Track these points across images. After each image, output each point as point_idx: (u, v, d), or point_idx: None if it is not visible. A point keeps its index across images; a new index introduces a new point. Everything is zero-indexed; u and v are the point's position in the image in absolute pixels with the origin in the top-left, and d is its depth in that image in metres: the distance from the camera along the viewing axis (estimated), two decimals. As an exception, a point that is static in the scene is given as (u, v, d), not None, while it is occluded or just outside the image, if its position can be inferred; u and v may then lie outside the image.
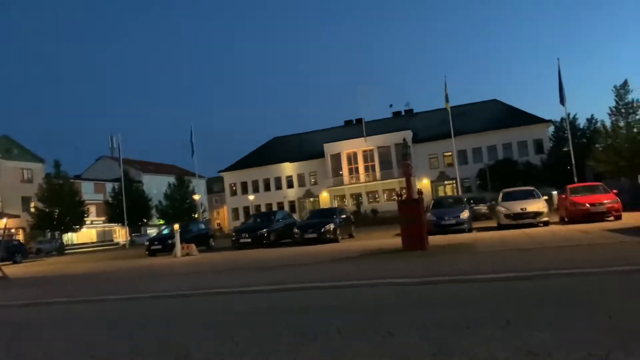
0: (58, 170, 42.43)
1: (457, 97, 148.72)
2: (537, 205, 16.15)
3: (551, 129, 50.38)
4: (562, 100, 31.37)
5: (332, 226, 17.42)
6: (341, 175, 57.13)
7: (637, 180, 25.04)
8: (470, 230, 16.67)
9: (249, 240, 18.51)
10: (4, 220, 21.33)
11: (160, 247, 20.10)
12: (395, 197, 11.54)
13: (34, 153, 57.35)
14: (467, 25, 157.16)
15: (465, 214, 16.70)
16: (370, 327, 4.14)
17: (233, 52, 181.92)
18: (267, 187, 61.29)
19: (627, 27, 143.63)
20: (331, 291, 6.65)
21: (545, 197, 17.66)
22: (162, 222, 63.19)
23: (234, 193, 63.26)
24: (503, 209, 16.47)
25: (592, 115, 48.92)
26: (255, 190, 61.31)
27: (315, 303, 5.90)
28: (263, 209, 60.71)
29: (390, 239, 17.82)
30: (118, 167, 74.21)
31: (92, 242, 58.54)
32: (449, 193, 55.53)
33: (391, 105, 65.00)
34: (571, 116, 45.28)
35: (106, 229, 64.81)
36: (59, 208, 39.53)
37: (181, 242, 18.16)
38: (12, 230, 48.54)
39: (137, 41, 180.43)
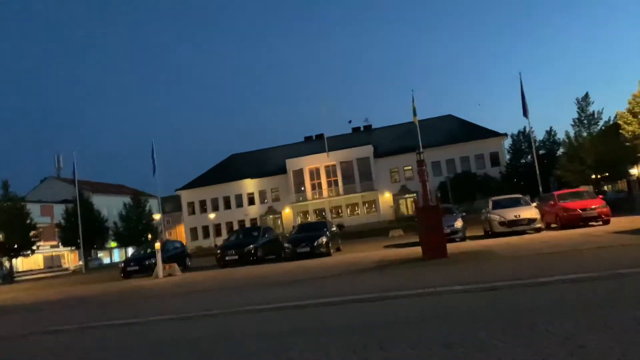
0: (6, 191, 39.35)
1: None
2: (530, 212, 16.30)
3: (508, 142, 52.20)
4: (525, 113, 32.41)
5: (324, 239, 16.83)
6: (303, 191, 56.58)
7: (604, 188, 26.10)
8: (463, 239, 16.58)
9: (236, 257, 17.57)
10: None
11: (137, 268, 18.73)
12: (413, 205, 11.11)
13: (-28, 174, 53.30)
14: (424, 41, 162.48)
15: (459, 223, 16.61)
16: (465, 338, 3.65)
17: (187, 66, 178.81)
18: (228, 205, 59.72)
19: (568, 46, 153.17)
20: (379, 303, 6.11)
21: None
22: (114, 244, 60.11)
23: (192, 212, 61.17)
24: (497, 216, 16.49)
25: (551, 127, 51.24)
26: (215, 208, 59.58)
27: (382, 317, 5.33)
28: (224, 228, 59.06)
29: (382, 250, 17.52)
30: (64, 188, 71.08)
31: (39, 269, 54.61)
32: (410, 207, 56.25)
33: (350, 121, 65.53)
34: (527, 129, 47.21)
35: (54, 254, 60.83)
36: (7, 232, 36.54)
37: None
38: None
39: (84, 51, 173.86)
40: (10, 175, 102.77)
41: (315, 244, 16.54)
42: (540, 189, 31.05)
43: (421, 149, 37.52)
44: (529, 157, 46.75)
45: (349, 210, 55.29)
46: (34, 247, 40.31)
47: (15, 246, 37.02)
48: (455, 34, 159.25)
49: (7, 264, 41.34)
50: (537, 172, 32.29)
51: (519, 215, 16.17)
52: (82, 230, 38.44)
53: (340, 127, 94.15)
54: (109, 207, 59.59)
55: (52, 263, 60.28)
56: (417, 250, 14.13)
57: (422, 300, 6.01)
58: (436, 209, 10.86)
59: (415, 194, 55.39)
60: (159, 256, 16.84)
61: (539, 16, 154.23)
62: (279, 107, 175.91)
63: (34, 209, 56.82)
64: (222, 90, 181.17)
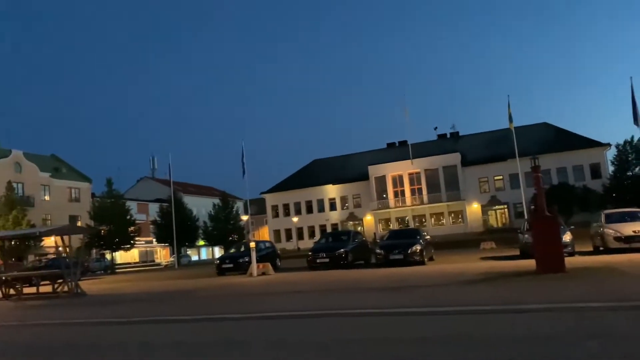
0: (110, 188, 42.67)
1: (503, 121, 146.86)
2: (652, 227, 14.69)
3: (611, 152, 48.08)
4: (636, 121, 29.70)
5: (418, 247, 16.30)
6: (386, 198, 55.88)
7: None
8: (572, 254, 15.30)
9: (327, 260, 17.54)
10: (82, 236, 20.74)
11: (231, 265, 19.31)
12: (530, 212, 10.38)
13: (81, 172, 58.32)
14: (513, 45, 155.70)
15: (568, 236, 15.33)
16: None
17: (271, 74, 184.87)
18: (310, 209, 60.48)
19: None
20: (504, 316, 5.60)
21: None
22: (202, 243, 63.04)
23: (275, 215, 62.65)
24: (611, 231, 15.07)
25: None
26: (298, 212, 60.56)
27: (516, 331, 4.85)
28: (305, 232, 59.88)
29: (479, 262, 16.64)
30: (158, 188, 75.86)
31: (135, 262, 58.60)
32: (499, 219, 53.65)
33: (436, 128, 63.56)
34: (634, 139, 43.31)
35: (148, 249, 64.96)
36: (111, 227, 39.52)
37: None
38: (60, 249, 49.02)
39: (178, 66, 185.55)
40: (110, 174, 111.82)
41: (409, 252, 16.06)
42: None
43: (517, 156, 35.73)
44: (637, 169, 42.81)
45: (433, 219, 53.75)
46: (133, 242, 43.17)
47: (117, 240, 39.90)
48: (551, 38, 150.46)
49: (109, 256, 44.66)
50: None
51: (638, 231, 14.65)
52: (176, 228, 40.63)
53: (425, 133, 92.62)
54: (199, 207, 62.61)
55: (146, 257, 64.42)
56: (525, 263, 13.26)
57: (552, 315, 5.47)
58: (553, 220, 10.07)
59: (506, 205, 52.87)
60: (253, 255, 17.23)
61: None
62: (361, 113, 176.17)
63: (131, 207, 61.22)
64: (306, 96, 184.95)
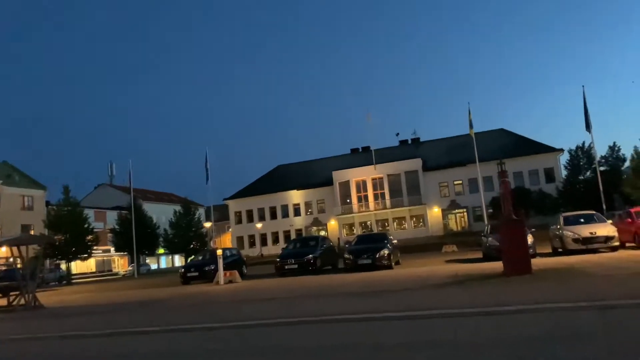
0: (67, 196, 41.03)
1: (463, 127, 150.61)
2: (607, 229, 15.41)
3: (565, 157, 50.18)
4: (588, 127, 31.13)
5: (386, 252, 16.45)
6: (349, 203, 56.23)
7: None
8: (534, 255, 15.80)
9: (296, 266, 17.46)
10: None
11: (197, 274, 18.90)
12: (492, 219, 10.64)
13: (34, 180, 55.87)
14: (473, 53, 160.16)
15: (530, 238, 15.81)
16: None
17: (235, 77, 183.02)
18: (274, 215, 60.12)
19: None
20: (486, 319, 5.72)
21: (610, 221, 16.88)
22: (162, 251, 61.52)
23: (239, 221, 61.92)
24: (570, 233, 15.67)
25: (614, 142, 48.87)
26: (262, 218, 60.08)
27: (513, 332, 4.96)
28: (269, 238, 59.47)
29: (445, 265, 16.93)
30: (117, 195, 73.64)
31: (91, 272, 56.50)
32: (459, 222, 54.88)
33: (398, 134, 64.74)
34: (586, 144, 45.29)
35: (105, 258, 62.85)
36: (67, 236, 38.01)
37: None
38: (11, 259, 46.73)
39: (139, 64, 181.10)
40: (65, 181, 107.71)
41: (377, 256, 16.18)
42: (604, 206, 29.59)
43: (477, 161, 36.69)
44: (588, 173, 44.75)
45: (395, 224, 54.47)
46: (90, 251, 41.66)
47: (73, 249, 38.39)
48: (511, 44, 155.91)
49: (64, 266, 42.88)
50: (601, 188, 30.80)
51: (595, 233, 15.30)
52: (135, 236, 39.46)
53: (388, 139, 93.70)
54: (159, 214, 61.15)
55: (104, 267, 62.26)
56: (490, 265, 13.61)
57: (530, 317, 5.61)
58: (520, 223, 10.37)
59: (465, 209, 54.15)
60: (220, 262, 16.94)
61: (601, 27, 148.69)
62: (324, 119, 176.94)
63: (89, 215, 59.13)
64: (268, 102, 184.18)
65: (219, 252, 17.43)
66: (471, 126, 34.02)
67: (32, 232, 46.43)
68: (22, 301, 14.14)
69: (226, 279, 16.92)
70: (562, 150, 51.12)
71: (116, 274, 58.18)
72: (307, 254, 17.81)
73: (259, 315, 7.89)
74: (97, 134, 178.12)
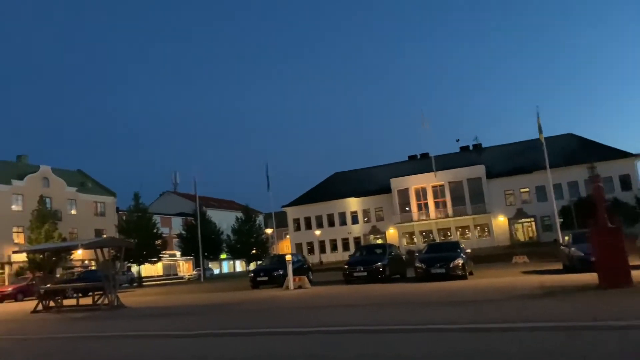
0: (137, 202, 43.07)
1: (526, 132, 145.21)
2: None
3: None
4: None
5: (460, 261, 15.88)
6: (408, 211, 55.30)
7: None
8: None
9: (364, 273, 17.21)
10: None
11: (266, 278, 19.11)
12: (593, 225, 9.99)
13: (106, 187, 59.06)
14: (537, 57, 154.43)
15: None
16: None
17: (294, 89, 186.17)
18: (332, 223, 60.17)
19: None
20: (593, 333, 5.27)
21: None
22: (224, 256, 63.09)
23: (297, 228, 62.44)
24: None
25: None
26: (319, 225, 60.28)
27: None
28: (327, 245, 59.55)
29: (522, 275, 16.17)
30: (181, 201, 76.43)
31: (159, 275, 58.80)
32: (526, 232, 52.60)
33: (458, 140, 62.84)
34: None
35: (171, 262, 65.25)
36: (138, 240, 39.86)
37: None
38: (86, 262, 49.44)
39: (202, 84, 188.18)
40: (132, 189, 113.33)
41: (451, 266, 15.65)
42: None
43: (547, 167, 34.96)
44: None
45: (458, 233, 52.94)
46: (160, 255, 43.37)
47: (144, 253, 40.09)
48: (572, 46, 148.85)
49: (134, 269, 44.86)
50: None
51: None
52: (201, 241, 40.62)
53: (447, 146, 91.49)
54: (220, 220, 62.81)
55: (170, 271, 64.68)
56: (579, 277, 12.80)
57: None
58: (618, 231, 9.66)
59: (532, 219, 51.84)
60: (290, 268, 17.00)
61: None
62: (382, 126, 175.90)
63: (157, 220, 61.68)
64: (326, 110, 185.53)
65: (288, 257, 17.51)
66: (540, 131, 32.42)
67: (104, 236, 49.03)
68: (106, 300, 14.81)
69: (295, 284, 16.95)
70: (639, 155, 47.94)
71: (181, 277, 60.19)
72: (375, 261, 17.53)
73: (343, 321, 7.75)
74: (160, 144, 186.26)
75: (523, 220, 51.78)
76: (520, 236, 51.91)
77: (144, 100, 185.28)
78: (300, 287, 17.01)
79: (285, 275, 17.93)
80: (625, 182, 48.68)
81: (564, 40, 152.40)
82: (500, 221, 51.81)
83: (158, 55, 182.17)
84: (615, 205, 45.93)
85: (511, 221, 51.94)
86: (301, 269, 20.95)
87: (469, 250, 18.73)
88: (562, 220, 48.15)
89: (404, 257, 20.81)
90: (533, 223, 51.59)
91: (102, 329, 9.32)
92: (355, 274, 17.46)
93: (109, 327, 9.67)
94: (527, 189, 51.80)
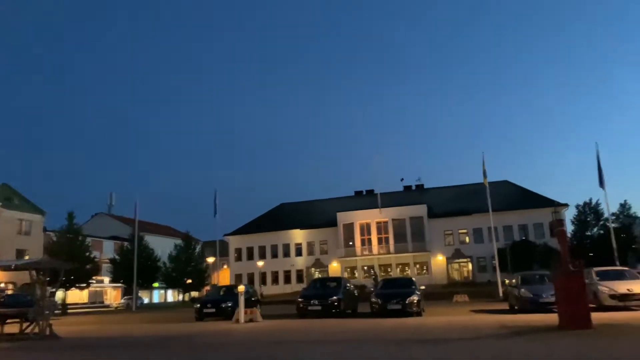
0: (71, 223, 40.19)
1: (466, 177, 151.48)
2: (645, 286, 14.99)
3: (572, 212, 50.05)
4: (601, 184, 31.25)
5: (415, 298, 15.90)
6: (352, 245, 55.52)
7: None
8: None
9: (319, 307, 16.80)
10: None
11: (213, 310, 18.15)
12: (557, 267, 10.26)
13: (34, 204, 54.99)
14: (486, 108, 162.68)
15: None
16: None
17: (243, 116, 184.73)
18: (275, 254, 59.07)
19: None
20: None
21: None
22: (156, 285, 59.97)
23: (238, 258, 60.76)
24: (606, 288, 15.25)
25: (625, 200, 48.96)
26: (262, 256, 59.00)
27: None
28: (269, 277, 58.30)
29: (472, 315, 16.40)
30: (114, 225, 72.57)
31: (83, 303, 54.66)
32: (462, 272, 54.07)
33: (402, 179, 64.52)
34: (593, 202, 45.36)
35: (97, 289, 61.11)
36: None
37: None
38: (2, 285, 45.23)
39: (144, 103, 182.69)
40: (61, 208, 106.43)
41: (407, 302, 15.64)
42: (617, 263, 29.39)
43: (490, 211, 36.33)
44: (595, 229, 44.65)
45: (399, 269, 53.55)
46: (89, 281, 40.51)
47: (72, 278, 37.23)
48: (517, 98, 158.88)
49: (60, 295, 41.52)
50: (614, 245, 30.59)
51: (632, 290, 14.91)
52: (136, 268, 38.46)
53: (391, 184, 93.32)
54: (156, 247, 59.99)
55: (96, 298, 60.42)
56: (531, 318, 13.12)
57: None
58: (579, 274, 9.99)
59: (469, 259, 53.46)
60: (241, 300, 16.26)
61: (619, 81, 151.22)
62: (329, 161, 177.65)
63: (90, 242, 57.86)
64: (272, 140, 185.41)
65: (241, 288, 16.77)
66: (485, 175, 33.94)
67: (26, 257, 45.25)
68: (37, 329, 13.42)
69: (246, 317, 16.22)
70: (566, 205, 51.11)
71: (108, 306, 56.42)
72: (331, 295, 17.18)
73: (311, 357, 7.35)
74: (97, 163, 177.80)
75: (460, 260, 53.31)
76: (456, 275, 53.31)
77: (83, 116, 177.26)
78: (251, 320, 16.28)
79: (234, 307, 17.17)
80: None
81: (499, 95, 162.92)
82: (439, 260, 53.05)
83: (103, 67, 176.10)
84: (545, 250, 48.50)
85: (449, 260, 53.34)
86: (250, 301, 20.19)
87: (423, 287, 18.80)
88: (494, 262, 50.16)
89: (356, 292, 20.56)
90: (469, 263, 53.22)
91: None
92: (310, 308, 17.00)
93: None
94: (465, 230, 53.62)
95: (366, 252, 54.84)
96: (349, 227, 55.72)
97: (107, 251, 61.72)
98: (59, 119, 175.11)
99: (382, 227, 54.98)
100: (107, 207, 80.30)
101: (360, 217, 55.59)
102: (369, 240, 55.23)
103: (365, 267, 54.61)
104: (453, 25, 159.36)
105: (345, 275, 53.67)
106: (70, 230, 39.65)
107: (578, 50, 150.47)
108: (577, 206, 46.26)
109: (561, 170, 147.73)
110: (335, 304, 16.90)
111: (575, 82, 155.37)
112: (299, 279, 56.24)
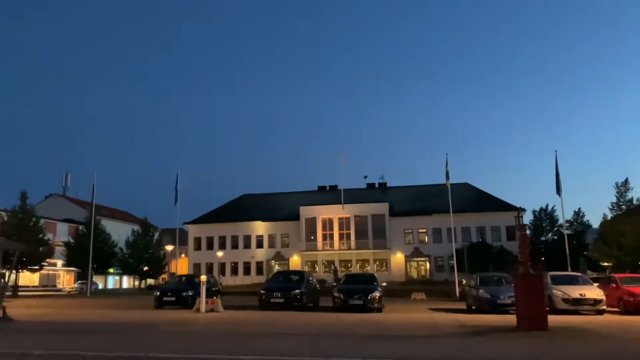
0: (24, 203, 38.47)
1: (428, 177, 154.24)
2: (596, 292, 15.78)
3: (527, 218, 51.89)
4: (558, 191, 32.50)
5: (377, 294, 16.16)
6: (314, 240, 55.75)
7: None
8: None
9: (282, 300, 16.83)
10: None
11: (173, 299, 17.89)
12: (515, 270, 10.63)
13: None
14: (453, 109, 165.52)
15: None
16: None
17: (208, 102, 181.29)
18: (235, 245, 58.63)
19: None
20: None
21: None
22: (111, 271, 58.42)
23: (197, 247, 59.94)
24: (560, 292, 15.93)
25: (579, 208, 51.07)
26: (222, 246, 58.45)
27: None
28: (228, 268, 57.86)
29: (430, 312, 16.83)
30: (69, 207, 70.12)
31: (34, 286, 52.65)
32: (420, 271, 55.24)
33: (366, 177, 65.19)
34: (549, 208, 47.14)
35: (50, 273, 58.99)
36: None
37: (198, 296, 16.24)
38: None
39: (107, 78, 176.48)
40: (16, 188, 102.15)
41: (369, 298, 15.88)
42: (569, 269, 30.63)
43: (451, 212, 37.21)
44: (550, 235, 46.43)
45: (358, 265, 54.22)
46: (42, 264, 39.04)
47: (24, 259, 35.73)
48: (481, 103, 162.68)
49: (11, 277, 39.79)
50: (567, 251, 31.85)
51: (585, 295, 15.63)
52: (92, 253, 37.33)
53: (355, 181, 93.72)
54: (113, 232, 58.42)
55: (48, 282, 58.35)
56: (489, 318, 13.54)
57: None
58: (538, 278, 10.40)
59: (427, 258, 54.68)
60: (203, 289, 16.11)
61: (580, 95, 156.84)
62: (292, 155, 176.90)
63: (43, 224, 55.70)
64: (236, 132, 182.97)
65: (203, 277, 16.62)
66: (447, 177, 34.74)
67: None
68: (-11, 313, 12.89)
69: (207, 307, 16.06)
70: (523, 209, 52.96)
71: (60, 290, 54.60)
72: (293, 288, 17.24)
73: (274, 350, 7.38)
74: (53, 142, 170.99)
75: (418, 258, 54.45)
76: (414, 274, 54.44)
77: (39, 91, 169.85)
78: (212, 310, 16.14)
79: (195, 296, 17.01)
80: (511, 233, 53.23)
81: (464, 100, 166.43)
82: (398, 258, 54.01)
83: (67, 49, 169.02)
84: (501, 253, 50.20)
85: (407, 259, 54.39)
86: (211, 291, 19.98)
87: (384, 284, 19.11)
88: (451, 262, 51.51)
89: (317, 287, 20.68)
90: (427, 262, 54.43)
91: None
92: (272, 300, 17.00)
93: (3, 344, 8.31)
94: (424, 230, 54.74)
95: (327, 247, 55.21)
96: (312, 222, 55.91)
97: (60, 234, 59.63)
98: (15, 94, 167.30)
99: (344, 223, 55.44)
100: (62, 188, 77.45)
101: (323, 212, 55.88)
102: (331, 236, 55.59)
103: (326, 262, 54.97)
104: (418, 27, 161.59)
105: (306, 269, 53.85)
106: (23, 211, 38.00)
107: (546, 57, 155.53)
108: (534, 211, 48.05)
109: (520, 176, 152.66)
110: (298, 297, 16.98)
111: (538, 90, 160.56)
112: (259, 270, 56.08)
